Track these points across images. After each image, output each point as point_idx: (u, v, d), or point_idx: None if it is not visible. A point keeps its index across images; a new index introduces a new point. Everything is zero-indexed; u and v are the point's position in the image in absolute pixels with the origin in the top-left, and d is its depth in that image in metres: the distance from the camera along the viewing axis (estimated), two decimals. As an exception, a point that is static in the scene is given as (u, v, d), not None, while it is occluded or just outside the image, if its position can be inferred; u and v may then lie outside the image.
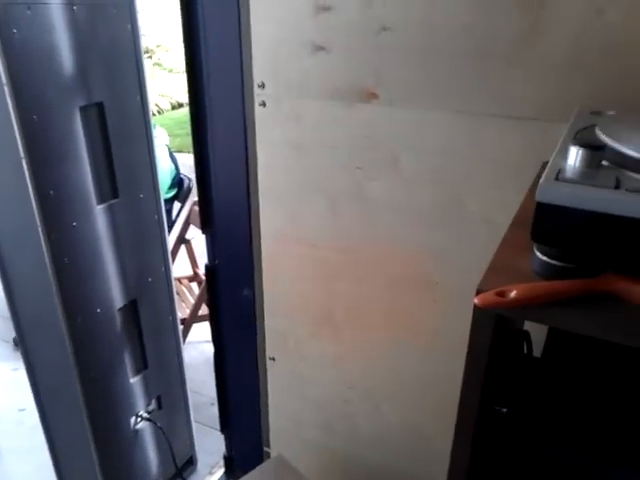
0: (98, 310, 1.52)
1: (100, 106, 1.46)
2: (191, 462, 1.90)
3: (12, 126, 1.27)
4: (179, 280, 2.62)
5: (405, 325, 1.14)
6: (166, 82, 8.58)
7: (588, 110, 0.74)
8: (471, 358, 0.53)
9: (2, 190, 1.35)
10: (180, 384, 1.81)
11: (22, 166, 1.30)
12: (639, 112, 0.71)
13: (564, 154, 0.53)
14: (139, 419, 1.63)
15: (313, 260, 1.18)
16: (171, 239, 2.18)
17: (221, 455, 1.77)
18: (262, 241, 1.24)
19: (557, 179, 0.48)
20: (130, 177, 1.57)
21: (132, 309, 1.61)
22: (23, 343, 1.55)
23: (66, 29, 1.33)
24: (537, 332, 0.78)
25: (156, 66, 8.92)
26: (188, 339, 2.43)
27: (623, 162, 0.51)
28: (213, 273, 1.44)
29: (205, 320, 2.43)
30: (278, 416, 1.42)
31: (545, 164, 0.81)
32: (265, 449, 1.53)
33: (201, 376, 2.15)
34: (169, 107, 8.42)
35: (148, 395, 1.68)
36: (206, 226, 1.41)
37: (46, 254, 1.38)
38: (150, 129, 1.62)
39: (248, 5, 1.06)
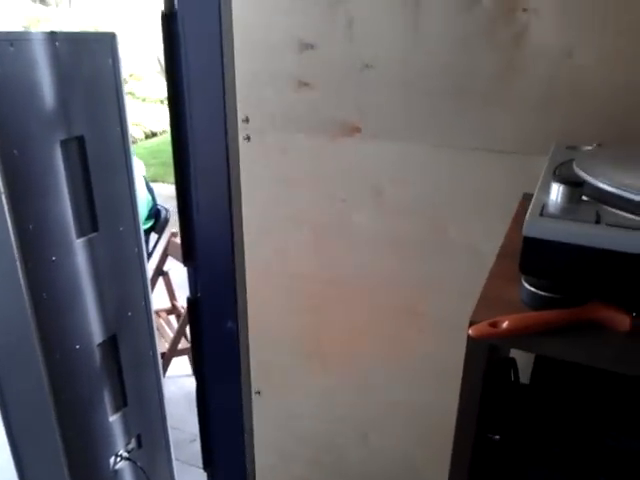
0: (77, 346, 1.49)
1: (81, 139, 1.47)
2: (172, 501, 1.86)
3: (-8, 161, 1.26)
4: (157, 313, 2.59)
5: (392, 355, 1.15)
6: (139, 111, 8.59)
7: (564, 145, 0.78)
8: (466, 387, 0.54)
9: (-20, 225, 1.34)
10: (160, 421, 1.77)
11: (1, 200, 1.29)
12: (612, 147, 0.75)
13: (546, 190, 0.55)
14: (119, 459, 1.59)
15: (299, 291, 1.19)
16: (148, 271, 2.16)
17: (204, 493, 1.74)
18: (247, 273, 1.25)
19: (542, 215, 0.51)
20: (110, 210, 1.57)
21: (112, 344, 1.59)
22: (-2, 380, 1.51)
23: (48, 64, 1.35)
24: (522, 359, 0.81)
25: (129, 95, 8.92)
26: (167, 374, 2.39)
27: (602, 197, 0.54)
28: (195, 306, 1.43)
29: (185, 354, 2.40)
30: (264, 451, 1.40)
31: (526, 195, 0.85)
32: (250, 485, 1.51)
33: (181, 411, 2.12)
34: (142, 136, 8.42)
35: (128, 433, 1.65)
36: (188, 259, 1.41)
37: (24, 289, 1.36)
38: (130, 161, 1.63)
39: (232, 40, 1.08)
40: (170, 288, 2.63)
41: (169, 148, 1.33)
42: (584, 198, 0.55)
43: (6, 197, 1.30)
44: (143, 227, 2.61)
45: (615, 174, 0.58)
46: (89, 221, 1.53)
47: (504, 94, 0.90)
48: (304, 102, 1.04)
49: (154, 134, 8.58)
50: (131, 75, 9.15)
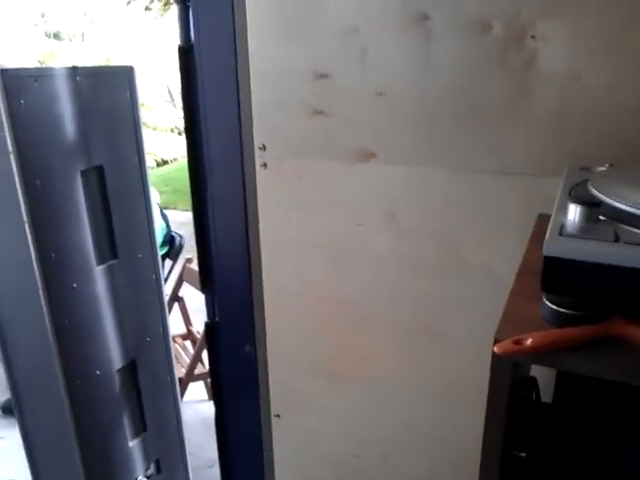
0: (97, 372, 1.51)
1: (100, 169, 1.51)
2: (191, 528, 1.85)
3: (16, 192, 1.30)
4: (173, 339, 2.60)
5: (411, 374, 1.16)
6: (150, 140, 8.74)
7: (578, 166, 0.80)
8: (492, 404, 0.55)
9: (4, 253, 1.37)
10: (179, 446, 1.78)
11: (25, 230, 1.33)
12: (624, 167, 0.77)
13: (564, 210, 0.57)
14: (139, 484, 1.60)
15: (317, 313, 1.21)
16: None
17: (222, 519, 1.73)
18: (265, 297, 1.27)
19: (561, 234, 0.53)
20: (128, 237, 1.60)
21: (131, 370, 1.60)
22: (19, 407, 1.53)
23: (69, 98, 1.39)
24: (542, 379, 0.81)
25: (140, 125, 9.07)
26: (183, 399, 2.40)
27: (618, 216, 0.56)
28: (213, 330, 1.45)
29: (201, 379, 2.41)
30: (284, 475, 1.40)
31: (541, 215, 0.86)
32: (269, 510, 1.50)
33: (198, 437, 2.12)
34: (154, 165, 8.54)
35: (147, 458, 1.65)
36: (206, 284, 1.43)
37: (46, 316, 1.39)
38: (147, 190, 1.66)
39: (247, 71, 1.12)
40: (185, 314, 2.65)
41: (180, 175, 1.37)
42: (601, 218, 0.57)
43: (29, 227, 1.33)
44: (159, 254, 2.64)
45: (630, 193, 0.59)
46: (108, 248, 1.56)
47: (516, 118, 0.92)
48: (319, 129, 1.07)
49: (165, 162, 8.71)
50: (142, 104, 9.32)
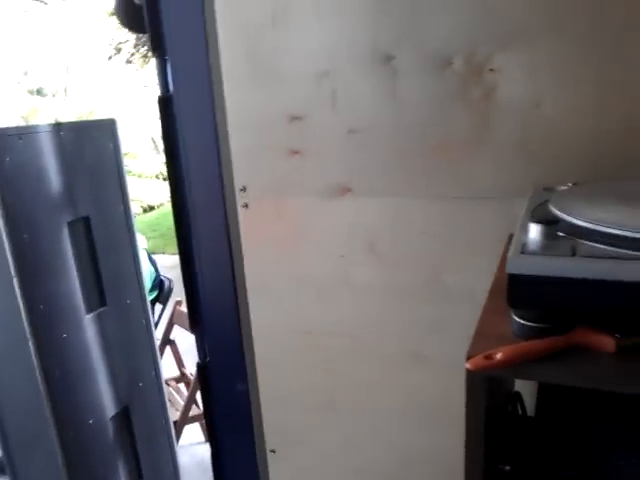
0: (90, 421, 1.51)
1: (86, 220, 1.54)
2: None
3: (3, 246, 1.32)
4: (166, 382, 2.58)
5: (404, 402, 1.17)
6: (136, 187, 8.80)
7: (541, 187, 0.84)
8: (470, 420, 0.58)
9: (-7, 308, 1.38)
10: (176, 491, 1.76)
11: (13, 284, 1.34)
12: (585, 186, 0.81)
13: (525, 230, 0.61)
14: (137, 533, 1.57)
15: (306, 347, 1.23)
16: (156, 341, 2.18)
17: None
18: (254, 334, 1.29)
19: (522, 252, 0.56)
20: (117, 284, 1.62)
21: (124, 416, 1.60)
22: (11, 464, 1.51)
23: (54, 153, 1.43)
24: (527, 393, 0.84)
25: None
26: (179, 443, 2.37)
27: (576, 232, 0.59)
28: (205, 371, 1.46)
29: (196, 421, 2.39)
30: (283, 511, 1.39)
31: (512, 236, 0.90)
32: None
33: (195, 481, 2.09)
34: (140, 211, 8.59)
35: (144, 506, 1.63)
36: (195, 325, 1.44)
37: (37, 368, 1.39)
38: (134, 236, 1.69)
39: (225, 117, 1.17)
40: (178, 356, 2.65)
41: (167, 220, 1.40)
42: (560, 234, 0.60)
43: (17, 281, 1.35)
44: (148, 298, 2.66)
45: (586, 210, 0.63)
46: (97, 296, 1.58)
47: (482, 146, 0.97)
48: (297, 168, 1.12)
49: (151, 208, 8.77)
50: (126, 154, 9.44)
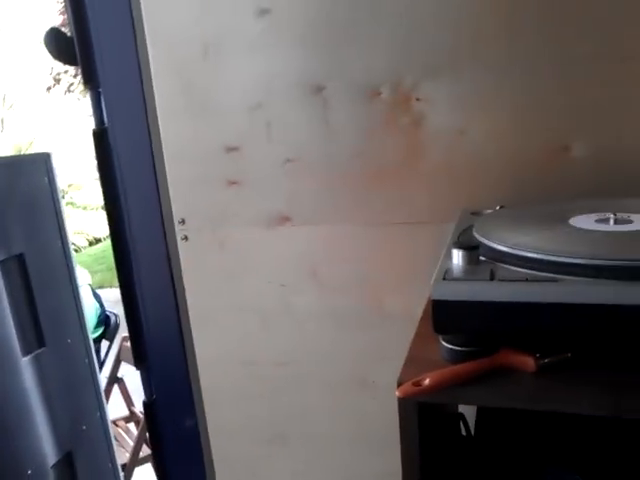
0: (29, 471, 1.43)
1: (20, 257, 1.48)
2: None
3: None
4: (115, 423, 2.49)
5: (354, 428, 1.17)
6: (81, 219, 8.57)
7: (469, 211, 0.87)
8: (404, 444, 0.58)
9: None
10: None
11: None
12: (509, 210, 0.84)
13: (449, 256, 0.63)
14: None
15: (253, 378, 1.21)
16: (102, 380, 2.11)
17: None
18: (199, 367, 1.26)
19: (444, 278, 0.58)
20: (56, 323, 1.56)
21: (67, 463, 1.53)
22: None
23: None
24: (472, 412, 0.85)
25: (69, 205, 8.93)
26: (129, 486, 2.28)
27: (496, 256, 0.62)
28: (152, 408, 1.42)
29: (147, 462, 2.30)
30: None
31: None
32: None
33: (147, 525, 2.01)
34: (86, 244, 8.36)
35: None
36: (140, 361, 1.41)
37: (-31, 417, 1.32)
38: (73, 273, 1.64)
39: (161, 150, 1.16)
40: (126, 394, 2.56)
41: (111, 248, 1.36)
42: (482, 259, 0.63)
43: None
44: (93, 335, 2.58)
45: (505, 234, 0.66)
46: (34, 337, 1.51)
47: (412, 171, 1.00)
48: (235, 199, 1.12)
49: (98, 240, 8.54)
50: (70, 185, 9.20)
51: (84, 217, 8.72)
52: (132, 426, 2.56)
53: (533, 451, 0.72)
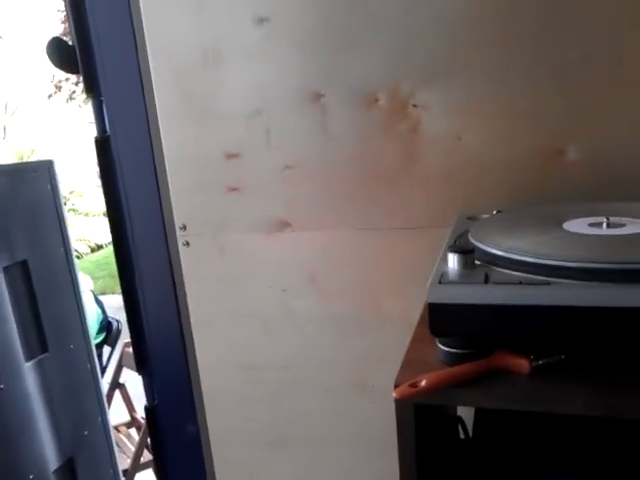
0: (31, 476, 1.44)
1: (24, 263, 1.50)
2: None
3: None
4: (116, 428, 2.50)
5: (354, 431, 1.18)
6: (83, 226, 8.60)
7: (466, 216, 0.88)
8: (402, 446, 0.59)
9: None
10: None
11: (-55, 335, 1.29)
12: (505, 214, 0.85)
13: (445, 259, 0.64)
14: None
15: (254, 382, 1.22)
16: (104, 385, 2.12)
17: None
18: (200, 372, 1.27)
19: (440, 282, 0.59)
20: (59, 329, 1.57)
21: (69, 469, 1.53)
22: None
23: (-13, 197, 1.39)
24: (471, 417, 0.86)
25: (71, 212, 8.96)
26: (132, 491, 2.28)
27: (490, 260, 0.63)
28: (154, 414, 1.43)
29: (149, 467, 2.31)
30: None
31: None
32: None
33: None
34: (88, 250, 8.38)
35: None
36: (142, 366, 1.42)
37: (-27, 423, 1.33)
38: (76, 279, 1.65)
39: (162, 157, 1.17)
40: (128, 400, 2.57)
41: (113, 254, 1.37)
42: (477, 262, 0.64)
43: (-50, 331, 1.30)
44: (95, 341, 2.58)
45: (500, 238, 0.67)
46: (37, 343, 1.53)
47: (410, 177, 1.01)
48: (235, 205, 1.13)
49: (100, 247, 8.56)
50: (72, 192, 9.24)
51: (86, 224, 8.74)
52: (133, 432, 2.56)
53: (531, 453, 0.73)
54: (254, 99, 1.07)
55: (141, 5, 1.11)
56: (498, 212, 0.88)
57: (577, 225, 0.69)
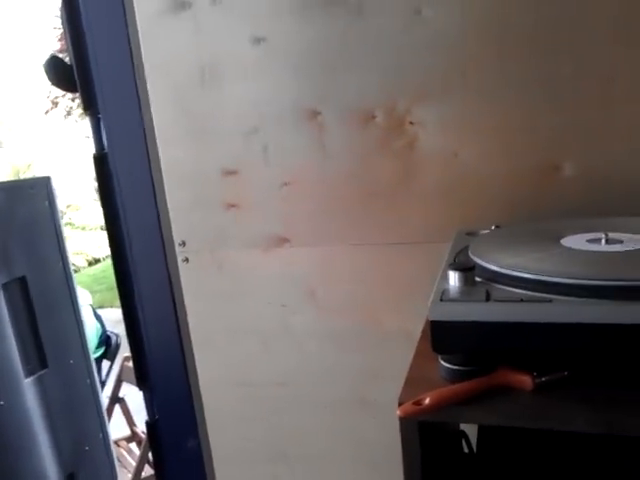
0: (33, 493, 1.43)
1: (23, 280, 1.50)
2: None
3: None
4: (117, 443, 2.48)
5: (355, 448, 1.18)
6: (80, 240, 8.57)
7: (464, 231, 0.89)
8: (407, 463, 0.60)
9: None
10: None
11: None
12: (504, 230, 0.86)
13: (446, 277, 0.65)
14: None
15: (254, 398, 1.22)
16: (104, 400, 2.11)
17: None
18: (201, 388, 1.27)
19: (441, 300, 0.60)
20: (58, 345, 1.57)
21: (70, 485, 1.53)
22: None
23: (-15, 215, 1.40)
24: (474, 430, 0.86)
25: (68, 225, 8.94)
26: (132, 507, 2.27)
27: (490, 277, 0.64)
28: (155, 429, 1.42)
29: (149, 482, 2.29)
30: None
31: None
32: None
33: None
34: (85, 264, 8.36)
35: None
36: (142, 381, 1.41)
37: (-28, 442, 1.33)
38: (74, 294, 1.66)
39: (161, 174, 1.18)
40: (128, 415, 2.55)
41: (113, 273, 1.37)
42: (477, 279, 0.64)
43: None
44: (94, 356, 2.57)
45: (500, 255, 0.68)
46: (37, 359, 1.53)
47: (407, 193, 1.02)
48: (234, 221, 1.14)
49: (97, 260, 8.54)
50: (69, 206, 9.22)
51: (83, 237, 8.72)
52: (134, 446, 2.55)
53: (535, 468, 0.73)
54: (252, 117, 1.08)
55: (138, 23, 1.12)
56: (496, 227, 0.89)
57: (576, 241, 0.70)
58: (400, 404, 0.58)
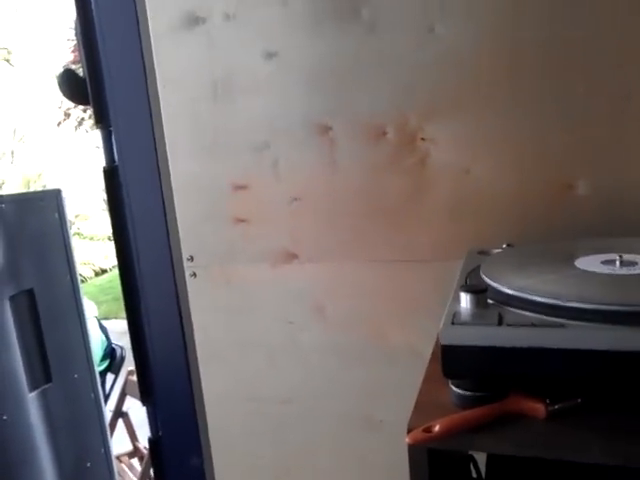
0: (34, 509, 1.42)
1: (30, 292, 1.50)
2: None
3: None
4: (118, 458, 2.46)
5: (360, 466, 1.16)
6: (88, 250, 8.61)
7: (476, 250, 0.88)
8: (415, 492, 0.58)
9: None
10: None
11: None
12: (516, 249, 0.85)
13: (457, 299, 0.63)
14: None
15: (259, 415, 1.20)
16: (107, 413, 2.09)
17: None
18: (206, 405, 1.26)
19: (453, 323, 0.58)
20: (63, 358, 1.56)
21: (71, 500, 1.51)
22: None
23: (-5, 226, 1.40)
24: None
25: (76, 235, 9.00)
26: (133, 524, 2.24)
27: (504, 299, 0.62)
28: (157, 445, 1.41)
29: (151, 498, 2.26)
30: None
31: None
32: None
33: None
34: (92, 274, 8.38)
35: None
36: (146, 396, 1.40)
37: (-26, 455, 1.31)
38: (81, 307, 1.65)
39: (171, 188, 1.18)
40: (131, 429, 2.53)
41: (120, 284, 1.36)
42: (490, 302, 0.63)
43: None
44: (99, 369, 2.56)
45: (513, 277, 0.66)
46: (42, 372, 1.52)
47: (416, 210, 1.01)
48: (242, 236, 1.13)
49: (104, 271, 8.57)
50: (77, 216, 9.28)
51: (91, 248, 8.76)
52: (136, 462, 2.53)
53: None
54: (263, 131, 1.08)
55: (152, 38, 1.13)
56: (508, 245, 0.88)
57: (590, 263, 0.68)
58: (409, 430, 0.57)
